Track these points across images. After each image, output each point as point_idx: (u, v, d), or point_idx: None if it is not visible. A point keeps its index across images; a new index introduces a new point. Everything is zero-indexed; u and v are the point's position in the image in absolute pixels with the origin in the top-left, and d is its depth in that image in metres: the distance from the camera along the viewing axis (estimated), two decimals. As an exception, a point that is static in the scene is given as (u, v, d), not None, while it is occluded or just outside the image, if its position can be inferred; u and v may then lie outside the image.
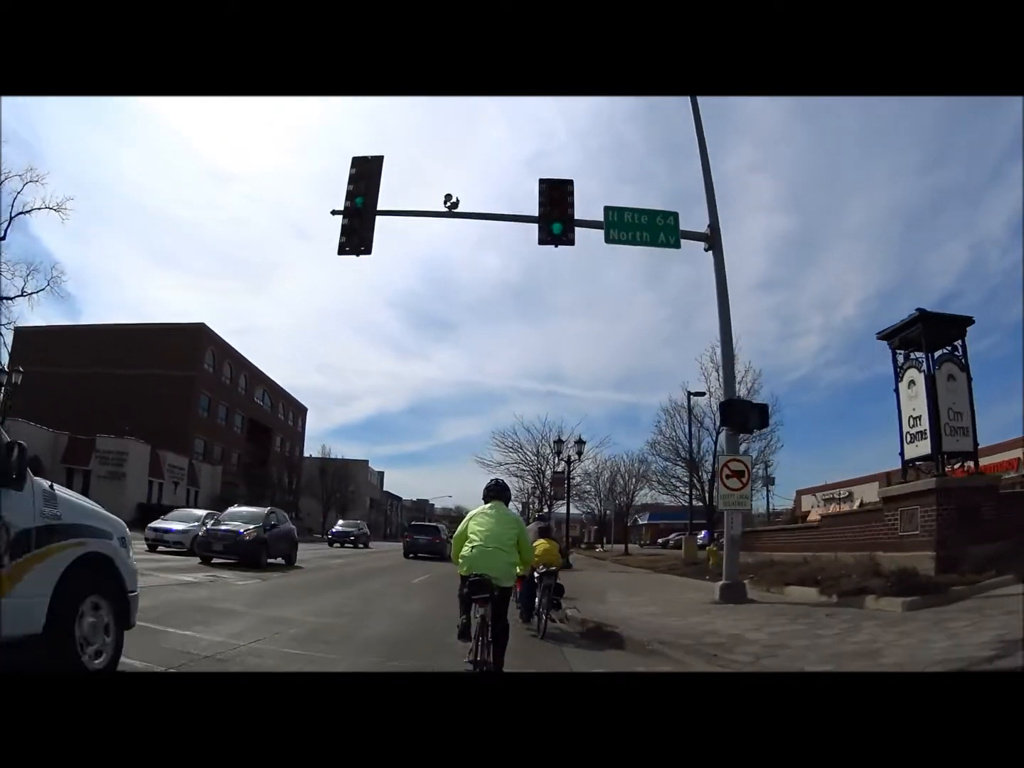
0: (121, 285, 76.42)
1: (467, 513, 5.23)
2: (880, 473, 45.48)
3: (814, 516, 50.11)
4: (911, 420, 10.61)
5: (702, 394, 22.00)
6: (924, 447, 10.26)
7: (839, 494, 46.69)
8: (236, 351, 50.66)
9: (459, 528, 5.03)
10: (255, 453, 52.79)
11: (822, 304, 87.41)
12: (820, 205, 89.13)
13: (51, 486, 3.73)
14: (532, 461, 29.09)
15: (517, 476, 30.77)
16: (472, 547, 4.65)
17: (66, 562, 3.64)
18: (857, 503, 47.39)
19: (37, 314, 67.19)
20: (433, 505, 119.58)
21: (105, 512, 4.31)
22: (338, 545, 36.05)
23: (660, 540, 56.11)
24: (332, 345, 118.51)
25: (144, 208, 77.29)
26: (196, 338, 44.84)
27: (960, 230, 77.73)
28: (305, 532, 58.99)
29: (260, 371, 55.72)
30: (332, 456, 66.32)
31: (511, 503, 6.09)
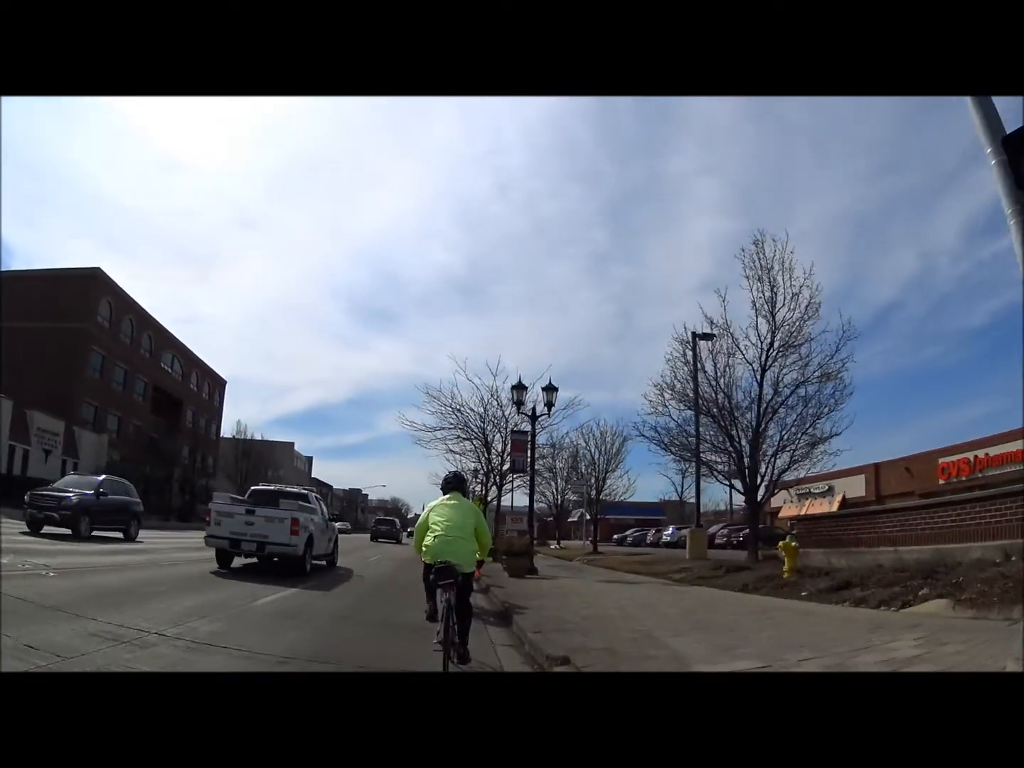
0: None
1: (425, 504, 5.47)
2: (867, 465, 43.30)
3: (788, 512, 47.70)
4: None
5: (711, 336, 16.31)
6: None
7: (816, 488, 44.13)
8: (140, 306, 43.38)
9: (420, 518, 5.27)
10: (160, 426, 45.65)
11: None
12: (768, 208, 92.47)
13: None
14: (476, 429, 21.78)
15: (456, 452, 23.81)
16: (435, 537, 4.87)
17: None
18: (838, 498, 44.74)
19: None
20: (367, 496, 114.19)
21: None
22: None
23: (616, 537, 51.59)
24: (275, 336, 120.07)
25: (91, 194, 78.16)
26: (89, 286, 37.61)
27: (910, 238, 79.09)
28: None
29: (170, 333, 48.40)
30: (251, 436, 59.52)
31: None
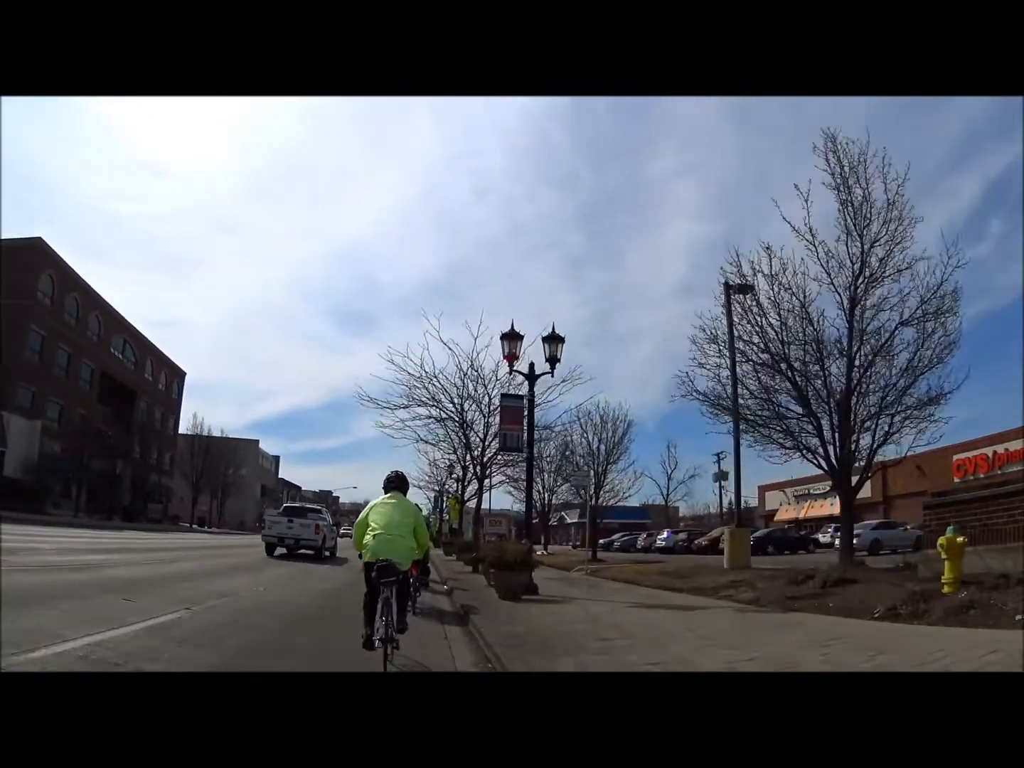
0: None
1: (368, 505, 5.56)
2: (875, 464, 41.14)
3: (785, 515, 44.43)
4: None
5: (749, 288, 13.13)
6: None
7: (816, 489, 41.60)
8: (87, 284, 39.67)
9: (360, 517, 5.36)
10: (109, 417, 41.84)
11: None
12: (746, 212, 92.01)
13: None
14: (453, 407, 18.50)
15: (429, 443, 20.81)
16: (374, 535, 4.95)
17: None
18: (839, 499, 42.65)
19: None
20: (338, 498, 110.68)
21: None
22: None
23: (602, 541, 48.30)
24: (252, 340, 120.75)
25: (68, 196, 74.07)
26: (28, 258, 33.91)
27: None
28: (168, 521, 48.71)
29: (121, 316, 44.61)
30: (209, 432, 55.79)
31: (413, 493, 5.25)
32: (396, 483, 5.49)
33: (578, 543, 45.52)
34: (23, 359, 33.62)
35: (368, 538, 4.97)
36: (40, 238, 35.31)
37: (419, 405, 18.49)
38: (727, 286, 14.22)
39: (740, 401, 13.73)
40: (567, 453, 26.63)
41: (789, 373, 12.67)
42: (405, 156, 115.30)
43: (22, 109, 67.14)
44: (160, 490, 48.77)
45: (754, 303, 13.11)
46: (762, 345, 13.02)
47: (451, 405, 18.64)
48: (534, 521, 42.14)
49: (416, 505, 6.01)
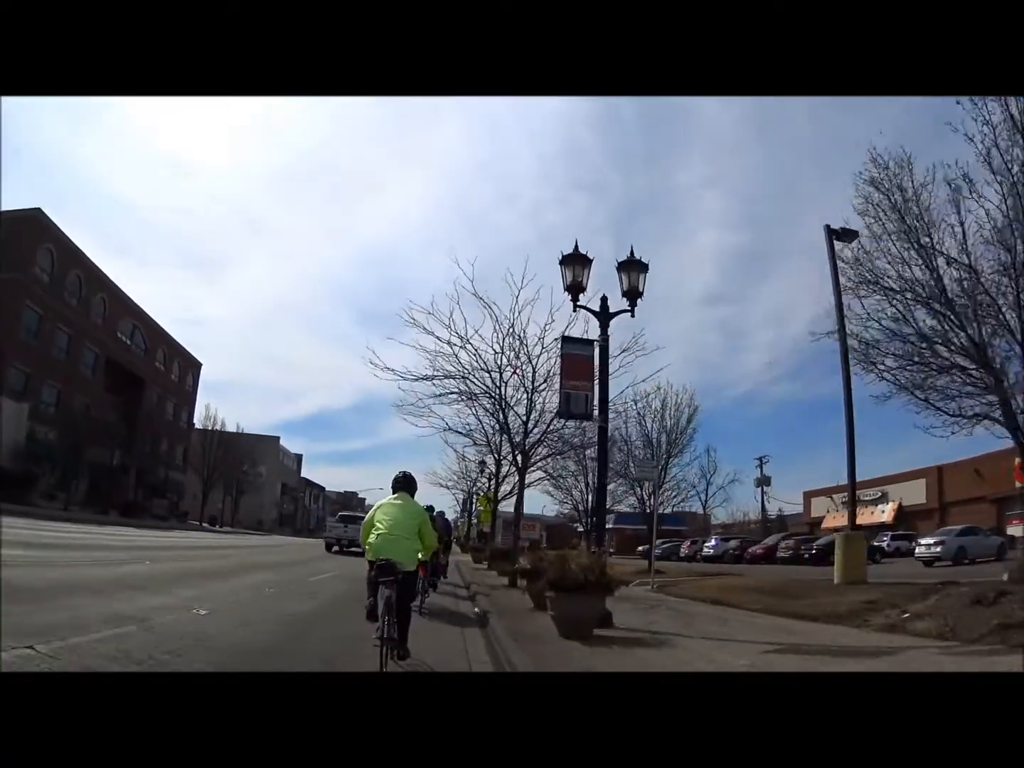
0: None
1: (376, 504, 5.49)
2: (928, 468, 36.46)
3: (832, 523, 40.05)
4: None
5: (852, 233, 10.84)
6: None
7: (866, 495, 38.07)
8: (92, 262, 37.02)
9: (367, 517, 5.38)
10: (116, 407, 39.20)
11: (771, 320, 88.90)
12: (772, 220, 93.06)
13: None
14: (489, 382, 14.81)
15: (459, 432, 17.50)
16: (377, 535, 4.99)
17: None
18: (893, 506, 38.49)
19: None
20: (364, 499, 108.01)
21: None
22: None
23: (640, 549, 45.70)
24: (279, 339, 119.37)
25: (99, 193, 73.85)
26: (25, 230, 31.30)
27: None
28: (175, 518, 44.66)
29: (130, 299, 42.00)
30: (224, 427, 53.09)
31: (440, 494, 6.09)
32: (403, 484, 5.48)
33: (612, 551, 41.80)
34: (16, 338, 30.99)
35: (372, 537, 5.04)
36: (39, 209, 32.71)
37: (446, 377, 14.76)
38: (828, 231, 12.25)
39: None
40: (622, 443, 22.26)
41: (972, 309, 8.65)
42: (432, 159, 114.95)
43: (54, 107, 68.74)
44: (169, 485, 45.99)
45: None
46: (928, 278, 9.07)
47: (487, 375, 14.87)
48: (572, 524, 38.33)
49: (431, 507, 6.71)
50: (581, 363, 9.59)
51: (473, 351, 14.53)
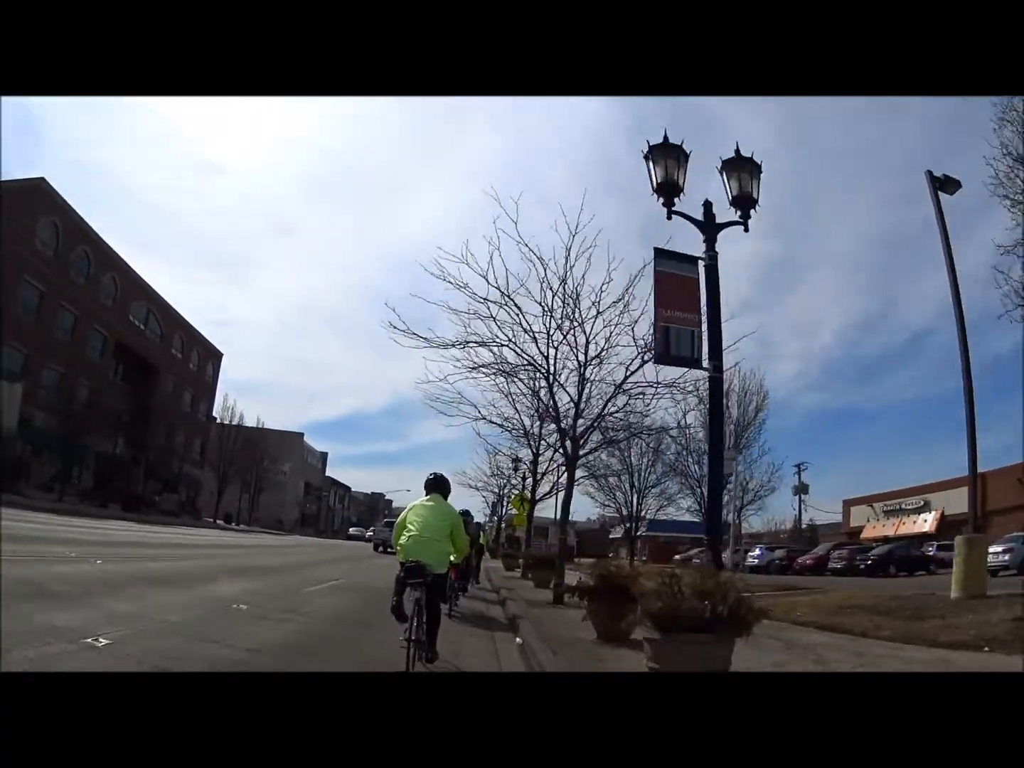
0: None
1: (408, 505, 5.41)
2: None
3: (872, 532, 38.84)
4: None
5: (956, 184, 10.31)
6: None
7: (908, 503, 37.24)
8: (101, 238, 34.70)
9: (399, 518, 5.27)
10: (128, 395, 36.83)
11: (800, 330, 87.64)
12: (801, 231, 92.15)
13: None
14: (530, 346, 11.83)
15: (494, 423, 14.71)
16: (408, 536, 4.93)
17: None
18: (936, 515, 34.84)
19: None
20: (391, 501, 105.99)
21: None
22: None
23: (678, 557, 43.82)
24: (309, 341, 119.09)
25: (129, 193, 73.67)
26: (25, 200, 29.03)
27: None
28: (188, 515, 41.94)
29: (144, 281, 39.69)
30: (242, 420, 50.67)
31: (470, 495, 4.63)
32: (436, 485, 5.35)
33: (644, 559, 39.15)
34: (13, 315, 28.63)
35: (403, 539, 4.97)
36: (43, 178, 30.51)
37: (480, 344, 11.40)
38: (931, 178, 11.56)
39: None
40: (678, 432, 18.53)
41: None
42: (463, 164, 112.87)
43: (83, 107, 69.06)
44: (183, 480, 43.57)
45: None
46: None
47: (531, 343, 11.56)
48: (609, 528, 35.09)
49: (467, 511, 6.64)
50: (684, 286, 6.22)
51: (516, 310, 11.18)
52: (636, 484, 23.23)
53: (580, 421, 12.21)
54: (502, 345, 11.51)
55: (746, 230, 6.43)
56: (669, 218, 6.38)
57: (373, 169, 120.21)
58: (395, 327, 10.93)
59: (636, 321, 10.82)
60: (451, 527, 5.05)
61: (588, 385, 12.08)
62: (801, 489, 45.11)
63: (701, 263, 6.24)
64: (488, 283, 10.81)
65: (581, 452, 12.78)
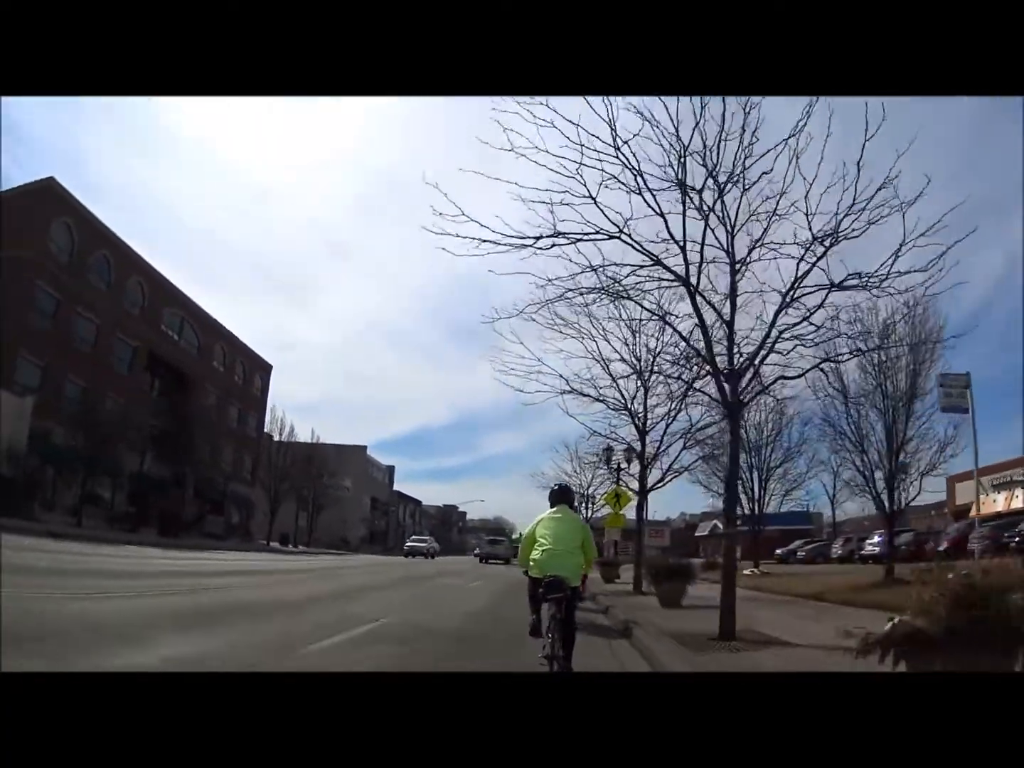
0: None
1: (535, 519, 5.27)
2: None
3: (986, 509, 33.06)
4: None
5: None
6: None
7: (1019, 475, 30.72)
8: (121, 240, 32.25)
9: (527, 531, 5.26)
10: (164, 411, 34.34)
11: None
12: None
13: None
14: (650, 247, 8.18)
15: (582, 394, 13.44)
16: (542, 550, 4.84)
17: None
18: None
19: None
20: (464, 513, 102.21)
21: None
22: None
23: (780, 552, 38.53)
24: (372, 359, 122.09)
25: (182, 224, 76.19)
26: (36, 202, 26.80)
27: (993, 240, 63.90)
28: (238, 537, 38.84)
29: (175, 287, 37.27)
30: (291, 430, 47.82)
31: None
32: (560, 495, 5.30)
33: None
34: (27, 325, 26.28)
35: (536, 553, 4.87)
36: (52, 178, 28.26)
37: (569, 241, 7.86)
38: None
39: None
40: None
41: None
42: (513, 171, 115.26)
43: (137, 142, 70.75)
44: (228, 498, 40.86)
45: None
46: None
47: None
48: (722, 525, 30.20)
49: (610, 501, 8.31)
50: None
51: (633, 186, 7.71)
52: (759, 464, 17.92)
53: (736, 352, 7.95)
54: (611, 237, 7.56)
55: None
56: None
57: (423, 183, 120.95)
58: (441, 213, 7.72)
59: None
60: (583, 538, 4.98)
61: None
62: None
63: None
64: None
65: (746, 396, 8.31)
